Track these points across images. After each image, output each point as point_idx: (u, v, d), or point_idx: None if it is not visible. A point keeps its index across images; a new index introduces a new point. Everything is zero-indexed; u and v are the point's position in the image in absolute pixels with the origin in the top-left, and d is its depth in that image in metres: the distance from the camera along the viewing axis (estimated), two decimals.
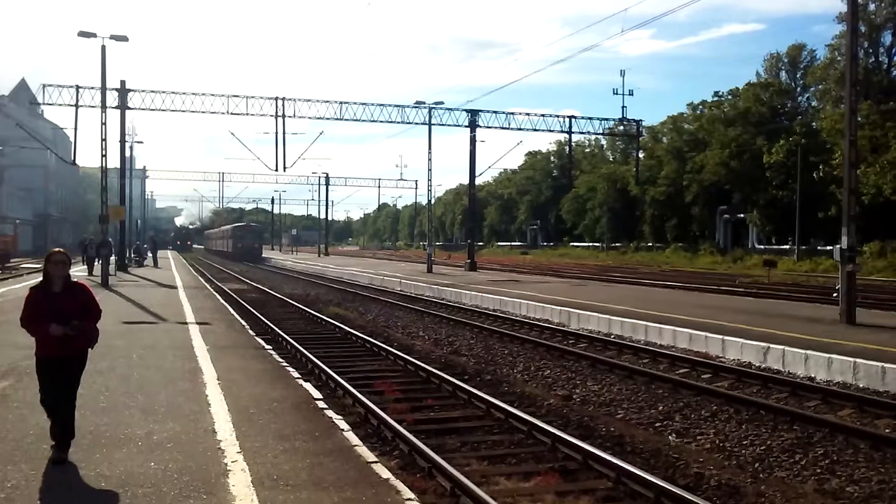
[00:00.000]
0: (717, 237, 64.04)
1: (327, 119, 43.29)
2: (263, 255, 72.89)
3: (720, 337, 14.01)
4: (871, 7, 51.30)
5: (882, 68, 53.51)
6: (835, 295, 17.10)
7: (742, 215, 60.83)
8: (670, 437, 8.87)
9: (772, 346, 12.86)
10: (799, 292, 26.67)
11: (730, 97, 65.25)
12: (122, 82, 38.07)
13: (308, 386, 9.71)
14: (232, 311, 19.45)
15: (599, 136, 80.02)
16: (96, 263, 33.26)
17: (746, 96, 61.91)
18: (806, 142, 51.76)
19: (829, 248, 41.73)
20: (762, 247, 57.84)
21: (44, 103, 39.61)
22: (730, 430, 8.99)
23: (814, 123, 56.32)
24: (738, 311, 18.65)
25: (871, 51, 52.84)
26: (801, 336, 13.73)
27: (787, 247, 53.53)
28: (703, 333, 14.46)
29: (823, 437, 8.56)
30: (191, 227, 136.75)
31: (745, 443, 8.51)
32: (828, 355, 11.82)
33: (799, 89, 65.70)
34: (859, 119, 16.48)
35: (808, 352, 12.17)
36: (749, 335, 13.90)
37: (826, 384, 11.19)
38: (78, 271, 32.40)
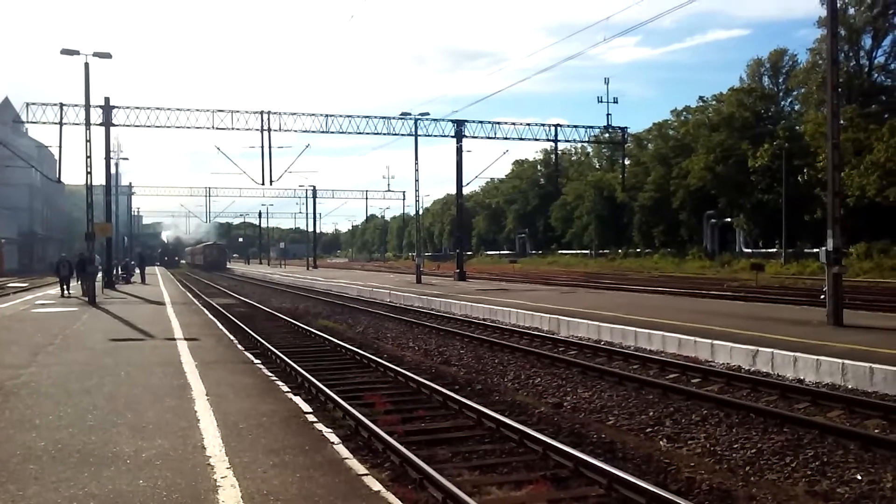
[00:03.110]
0: (705, 242, 64.36)
1: (313, 132, 43.33)
2: (228, 266, 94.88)
3: (709, 341, 14.04)
4: (851, 11, 51.87)
5: (863, 71, 54.07)
6: (822, 297, 17.19)
7: (729, 219, 61.21)
8: (661, 443, 8.88)
9: (760, 349, 12.90)
10: (786, 295, 26.81)
11: (714, 103, 65.77)
12: (107, 99, 37.96)
13: (298, 399, 9.66)
14: (220, 326, 19.36)
15: (585, 144, 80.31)
16: (74, 283, 32.54)
17: (730, 101, 62.41)
18: (790, 145, 52.18)
19: (815, 250, 42.06)
20: (749, 250, 58.19)
21: (28, 121, 39.49)
22: (720, 434, 9.00)
23: (797, 127, 56.82)
24: (726, 314, 18.71)
25: (851, 54, 53.41)
26: (790, 339, 13.78)
27: (774, 250, 53.87)
28: (693, 338, 14.49)
29: (813, 439, 8.58)
30: (177, 240, 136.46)
31: (735, 446, 8.53)
32: (816, 357, 11.87)
33: (781, 94, 66.32)
34: (842, 122, 16.59)
35: (797, 354, 12.22)
36: (738, 339, 13.95)
37: (815, 386, 11.23)
38: (55, 292, 32.13)
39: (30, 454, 6.85)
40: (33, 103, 38.10)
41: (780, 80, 66.09)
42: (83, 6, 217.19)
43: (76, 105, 36.81)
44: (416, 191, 43.83)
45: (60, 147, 38.22)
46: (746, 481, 7.42)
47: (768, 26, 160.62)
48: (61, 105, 37.65)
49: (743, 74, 68.63)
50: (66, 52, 28.46)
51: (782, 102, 66.46)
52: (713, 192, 60.91)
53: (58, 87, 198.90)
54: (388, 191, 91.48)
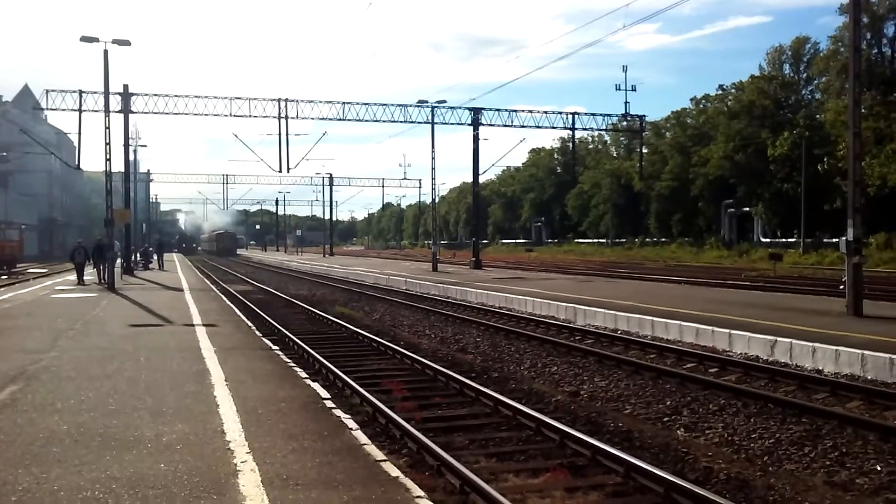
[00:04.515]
0: (723, 231, 63.95)
1: (330, 120, 43.46)
2: (245, 253, 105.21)
3: (727, 331, 13.98)
4: None
5: (885, 60, 53.39)
6: (841, 287, 17.07)
7: (747, 209, 60.77)
8: (679, 432, 8.86)
9: (779, 339, 12.83)
10: (805, 285, 26.62)
11: (734, 90, 65.21)
12: (125, 86, 38.10)
13: (315, 385, 9.72)
14: (238, 313, 19.49)
15: (603, 132, 79.90)
16: (90, 269, 32.50)
17: (750, 89, 61.83)
18: (810, 134, 51.69)
19: (834, 240, 41.74)
20: (768, 240, 57.79)
21: (47, 108, 39.67)
22: (738, 424, 8.98)
23: (818, 116, 56.26)
24: (744, 304, 18.61)
25: (873, 42, 52.73)
26: (809, 329, 13.70)
27: (793, 240, 53.46)
28: (710, 328, 14.43)
29: (832, 430, 8.54)
30: (196, 227, 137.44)
31: (753, 436, 8.50)
32: (835, 348, 11.79)
33: (802, 82, 65.61)
34: (863, 110, 16.43)
35: (816, 344, 12.14)
36: (756, 329, 13.87)
37: (834, 377, 11.16)
38: (73, 278, 32.27)
39: (53, 437, 6.94)
40: (53, 90, 38.34)
41: (801, 69, 65.38)
42: None
43: (95, 92, 37.02)
44: (433, 179, 43.73)
45: (80, 134, 38.44)
46: (765, 471, 7.40)
47: (790, 13, 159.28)
48: (80, 92, 37.84)
49: (763, 62, 68.01)
50: (85, 39, 28.50)
51: (803, 91, 65.77)
52: (732, 181, 60.49)
53: (77, 75, 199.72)
54: (405, 179, 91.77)
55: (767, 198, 57.16)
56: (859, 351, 11.41)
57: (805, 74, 64.65)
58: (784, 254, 43.73)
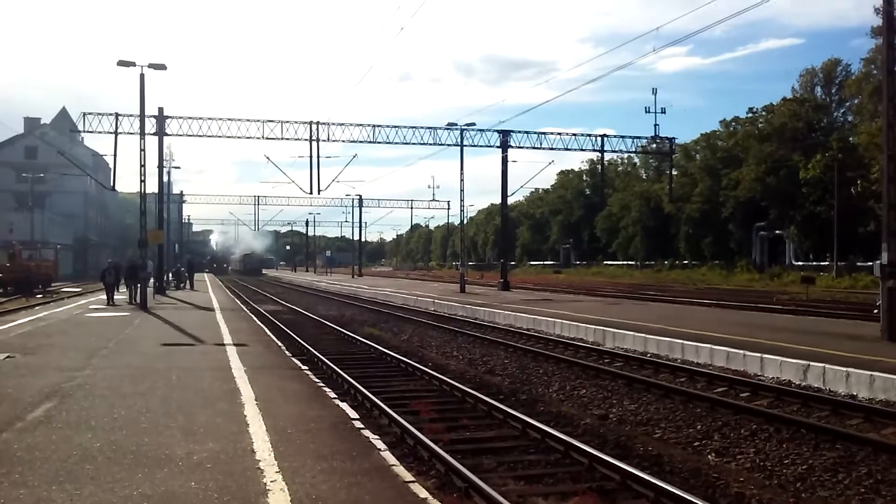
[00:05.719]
0: (754, 254, 63.29)
1: (361, 142, 43.74)
2: (275, 273, 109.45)
3: (758, 355, 13.82)
4: None
5: None
6: (875, 311, 16.81)
7: (779, 231, 60.13)
8: (709, 457, 8.77)
9: (812, 363, 12.66)
10: (838, 309, 26.22)
11: (764, 113, 64.84)
12: (160, 109, 38.78)
13: (344, 406, 9.77)
14: (268, 333, 19.65)
15: (632, 155, 79.66)
16: (121, 289, 32.64)
17: (782, 112, 61.42)
18: (843, 157, 51.10)
19: (868, 263, 41.12)
20: (800, 263, 57.09)
21: (84, 131, 40.48)
22: (770, 449, 8.86)
23: (850, 138, 55.69)
24: (776, 328, 18.39)
25: None
26: (842, 353, 13.50)
27: (826, 263, 52.76)
28: (741, 351, 14.28)
29: (867, 456, 8.40)
30: (226, 247, 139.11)
31: (785, 462, 8.39)
32: (870, 373, 11.61)
33: (834, 104, 65.07)
34: None
35: (850, 369, 11.96)
36: (788, 353, 13.70)
37: (868, 402, 10.97)
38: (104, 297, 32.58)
39: (86, 454, 7.04)
40: (90, 113, 39.07)
41: (834, 91, 64.87)
42: (139, 19, 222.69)
43: (131, 115, 37.68)
44: (461, 200, 43.87)
45: (115, 156, 39.10)
46: (797, 497, 7.30)
47: (821, 36, 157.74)
48: (117, 115, 38.52)
49: (795, 84, 67.62)
50: (122, 63, 29.07)
51: (835, 113, 65.21)
52: (763, 204, 59.96)
53: (113, 98, 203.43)
54: (433, 200, 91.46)
55: (799, 220, 56.57)
56: (894, 376, 11.22)
57: (837, 97, 64.13)
58: (817, 277, 43.14)
